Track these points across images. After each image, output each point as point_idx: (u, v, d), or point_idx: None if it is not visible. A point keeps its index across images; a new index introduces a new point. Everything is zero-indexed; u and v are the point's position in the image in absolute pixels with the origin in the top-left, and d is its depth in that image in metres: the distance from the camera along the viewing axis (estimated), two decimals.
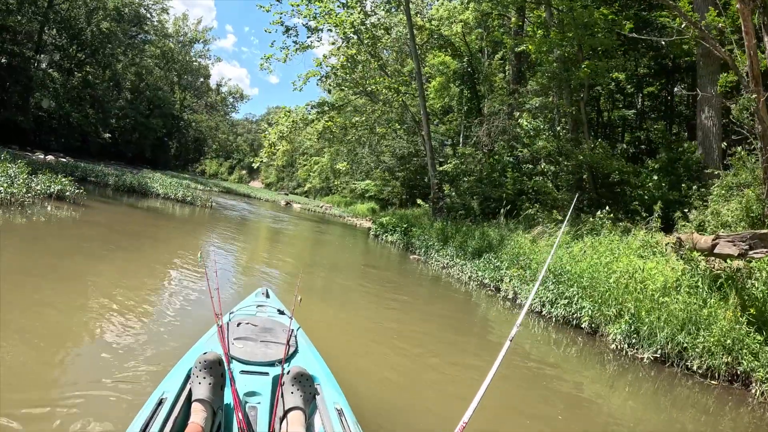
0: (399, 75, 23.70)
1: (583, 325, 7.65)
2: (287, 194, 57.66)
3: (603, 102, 19.56)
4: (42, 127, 35.03)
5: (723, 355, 5.97)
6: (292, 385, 2.49)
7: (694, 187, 10.77)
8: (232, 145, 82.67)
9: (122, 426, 2.39)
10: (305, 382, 2.52)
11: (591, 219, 11.67)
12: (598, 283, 7.91)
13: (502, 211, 16.78)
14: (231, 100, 79.75)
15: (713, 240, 6.89)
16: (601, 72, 14.07)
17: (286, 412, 2.39)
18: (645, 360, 6.41)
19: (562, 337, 7.60)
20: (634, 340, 6.74)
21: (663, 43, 14.70)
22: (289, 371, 2.58)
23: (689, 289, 7.01)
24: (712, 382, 5.99)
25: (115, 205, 16.41)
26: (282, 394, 2.48)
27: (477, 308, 9.75)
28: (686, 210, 10.41)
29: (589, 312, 7.57)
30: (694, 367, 6.14)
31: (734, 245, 6.37)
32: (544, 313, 8.47)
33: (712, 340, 6.05)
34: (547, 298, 8.54)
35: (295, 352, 3.15)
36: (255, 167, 68.41)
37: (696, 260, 7.59)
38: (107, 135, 40.74)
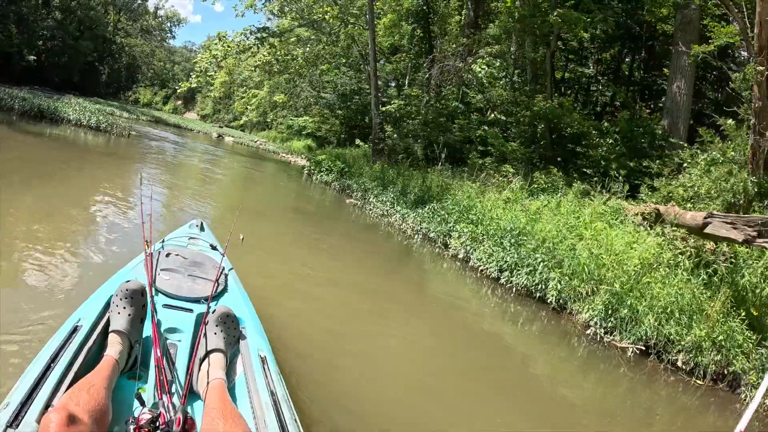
0: (349, 6, 21.85)
1: (549, 300, 6.68)
2: (222, 127, 54.26)
3: (557, 59, 18.63)
4: None
5: (712, 352, 5.16)
6: (216, 326, 2.31)
7: (657, 159, 10.12)
8: (168, 74, 76.48)
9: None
10: (230, 324, 2.35)
11: (549, 176, 10.89)
12: (565, 251, 7.00)
13: (442, 155, 15.81)
14: (169, 25, 73.52)
15: (705, 218, 6.09)
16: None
17: (207, 353, 2.21)
18: (629, 353, 5.47)
19: (522, 310, 6.69)
20: (610, 324, 5.85)
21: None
22: (214, 310, 2.38)
23: (669, 271, 6.21)
24: (698, 381, 5.17)
25: (11, 133, 13.93)
26: (205, 333, 2.30)
27: (417, 260, 8.94)
28: (648, 179, 9.77)
29: (557, 285, 6.61)
30: (679, 363, 5.30)
31: (735, 228, 5.54)
32: (502, 280, 7.44)
33: (701, 334, 5.22)
34: (506, 262, 7.52)
35: (224, 290, 2.92)
36: (179, 92, 63.94)
37: (675, 238, 6.83)
38: (32, 57, 36.46)
